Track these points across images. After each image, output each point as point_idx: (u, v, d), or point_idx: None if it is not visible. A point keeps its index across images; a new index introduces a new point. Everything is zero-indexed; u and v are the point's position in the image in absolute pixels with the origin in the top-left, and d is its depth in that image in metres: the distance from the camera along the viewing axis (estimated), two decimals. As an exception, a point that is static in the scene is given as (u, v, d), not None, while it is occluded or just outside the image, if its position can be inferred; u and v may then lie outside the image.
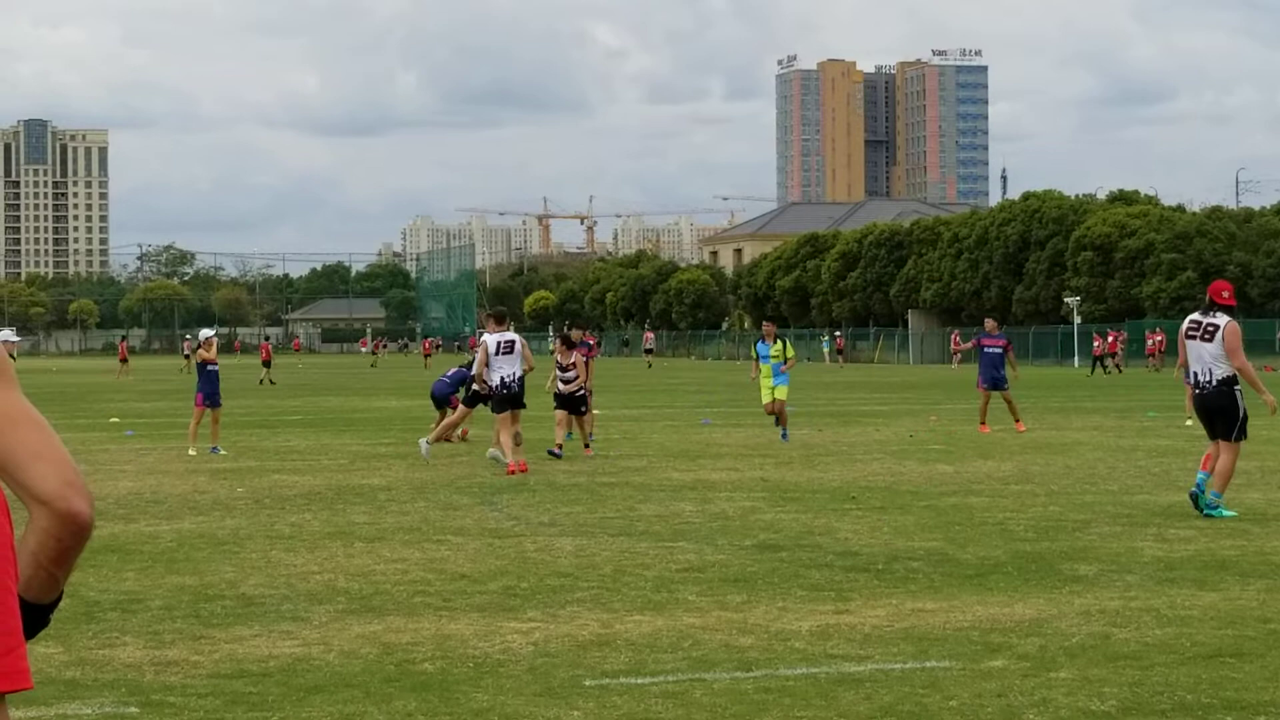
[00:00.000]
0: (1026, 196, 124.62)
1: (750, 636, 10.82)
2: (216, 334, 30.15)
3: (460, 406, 28.28)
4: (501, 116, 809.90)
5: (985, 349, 33.41)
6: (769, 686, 9.32)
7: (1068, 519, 17.41)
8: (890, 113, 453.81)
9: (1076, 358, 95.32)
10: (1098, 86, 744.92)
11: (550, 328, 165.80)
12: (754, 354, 31.90)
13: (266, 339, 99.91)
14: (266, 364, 75.00)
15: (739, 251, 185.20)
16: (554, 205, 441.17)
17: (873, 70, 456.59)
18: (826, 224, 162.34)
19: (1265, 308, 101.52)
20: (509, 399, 24.11)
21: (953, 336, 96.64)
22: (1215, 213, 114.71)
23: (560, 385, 27.36)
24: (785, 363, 30.72)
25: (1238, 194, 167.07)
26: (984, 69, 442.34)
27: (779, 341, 31.02)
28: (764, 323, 33.13)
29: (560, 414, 27.06)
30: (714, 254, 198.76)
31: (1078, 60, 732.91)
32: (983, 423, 32.43)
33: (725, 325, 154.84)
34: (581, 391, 27.44)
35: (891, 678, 9.52)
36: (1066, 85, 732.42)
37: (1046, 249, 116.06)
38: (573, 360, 27.43)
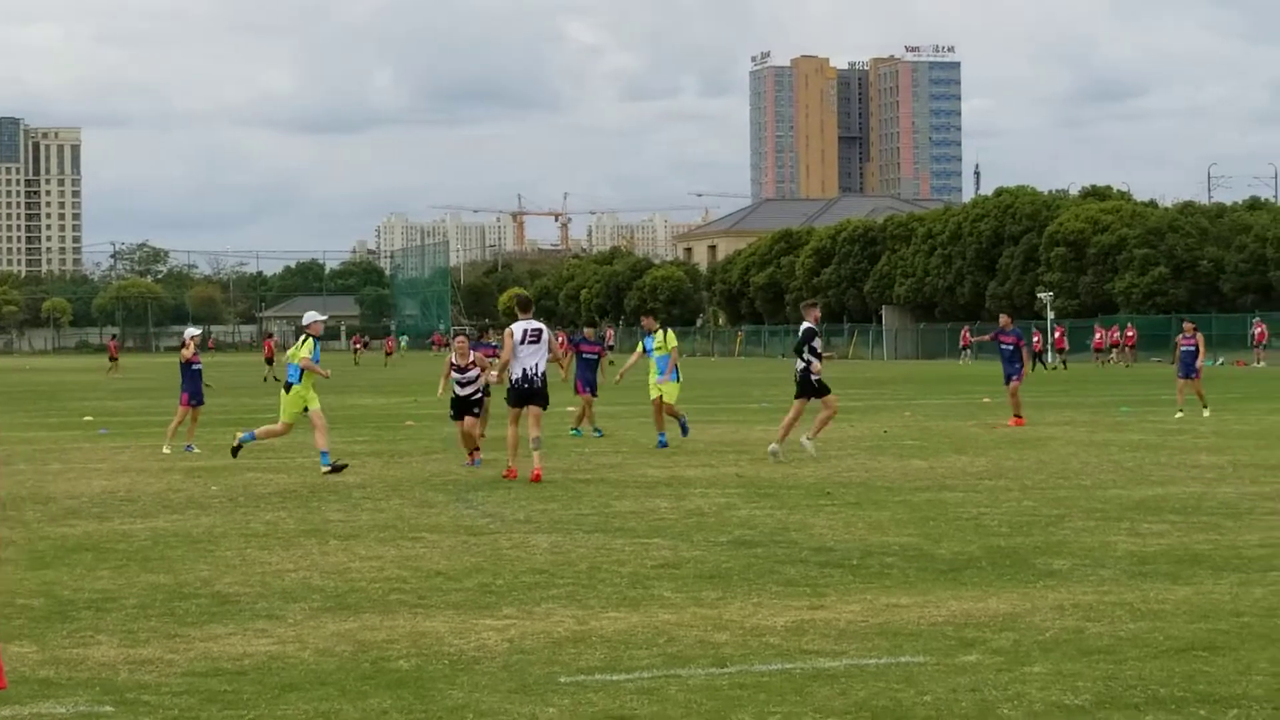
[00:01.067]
0: (1000, 192, 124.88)
1: (725, 632, 10.84)
2: (194, 334, 29.96)
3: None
4: (477, 114, 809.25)
5: (1001, 345, 33.93)
6: (744, 682, 9.34)
7: (1041, 514, 17.46)
8: (864, 109, 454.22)
9: (1049, 355, 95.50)
10: (1071, 82, 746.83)
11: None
12: (640, 348, 30.75)
13: (269, 335, 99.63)
14: (269, 361, 75.61)
15: (713, 248, 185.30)
16: (528, 202, 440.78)
17: (846, 67, 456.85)
18: (800, 220, 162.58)
19: (1237, 303, 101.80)
20: (529, 394, 22.15)
21: (963, 331, 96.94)
22: (1187, 208, 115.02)
23: (457, 389, 25.37)
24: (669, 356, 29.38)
25: (1209, 189, 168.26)
26: (957, 65, 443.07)
27: (662, 332, 29.96)
28: (643, 316, 32.54)
29: (468, 420, 24.87)
30: (688, 251, 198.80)
31: (1051, 56, 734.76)
32: (1017, 415, 32.99)
33: (700, 322, 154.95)
34: (479, 395, 25.37)
35: (866, 673, 9.54)
36: (1039, 81, 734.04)
37: (1020, 245, 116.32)
38: (472, 360, 25.54)
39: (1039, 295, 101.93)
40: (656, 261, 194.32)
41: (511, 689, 9.23)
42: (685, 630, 10.92)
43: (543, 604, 12.03)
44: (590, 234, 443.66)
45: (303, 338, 23.88)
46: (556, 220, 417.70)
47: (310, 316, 24.50)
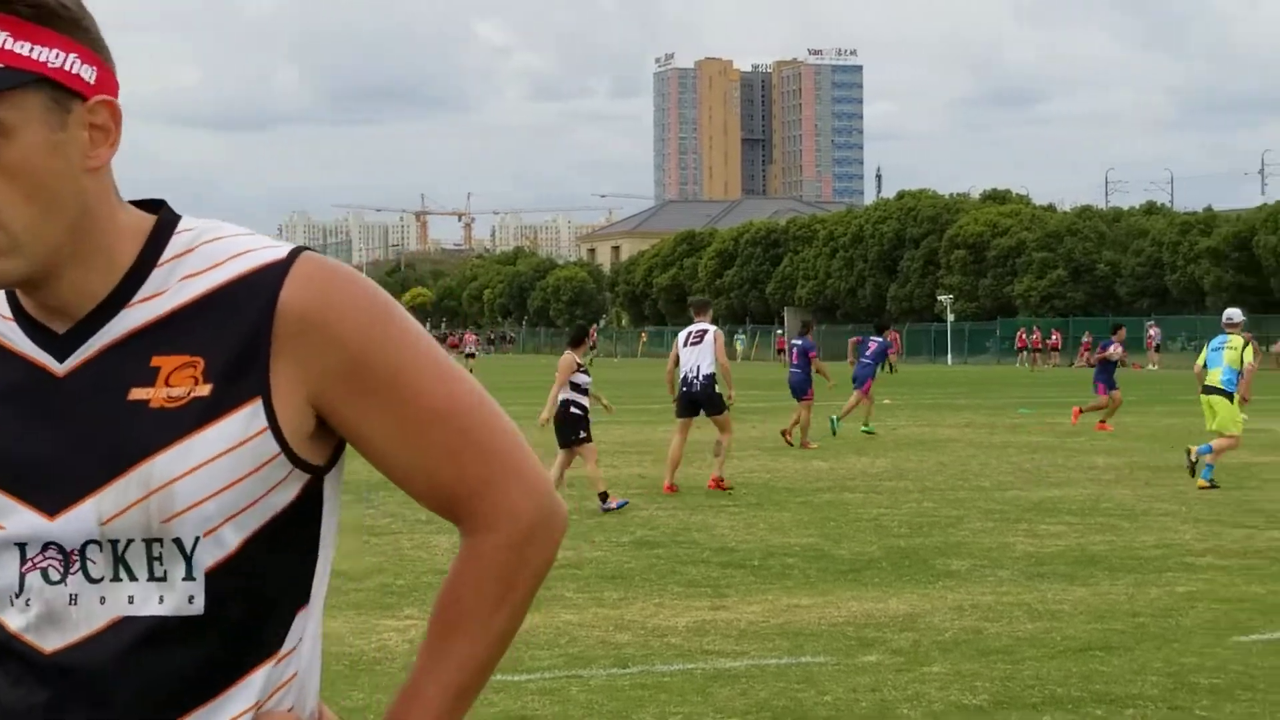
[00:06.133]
0: (901, 195, 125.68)
1: (627, 633, 10.85)
2: None
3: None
4: (382, 113, 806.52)
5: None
6: (645, 683, 9.35)
7: (941, 515, 17.59)
8: (767, 111, 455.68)
9: (949, 355, 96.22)
10: (973, 87, 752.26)
11: (428, 324, 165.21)
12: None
13: None
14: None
15: (617, 249, 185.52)
16: (432, 202, 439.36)
17: (749, 69, 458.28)
18: (703, 222, 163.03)
19: (1134, 306, 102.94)
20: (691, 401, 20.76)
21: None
22: (1085, 212, 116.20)
23: None
24: None
25: (1107, 194, 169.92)
26: (859, 69, 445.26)
27: None
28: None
29: None
30: (592, 251, 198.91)
31: (953, 61, 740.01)
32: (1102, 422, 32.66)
33: (603, 322, 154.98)
34: None
35: (767, 673, 9.58)
36: (942, 86, 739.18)
37: (920, 248, 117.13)
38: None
39: (939, 298, 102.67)
40: (560, 262, 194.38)
41: (412, 690, 9.19)
42: (587, 631, 10.93)
43: (444, 604, 11.98)
44: (494, 234, 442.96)
45: None
46: (460, 220, 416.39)
47: None
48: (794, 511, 17.96)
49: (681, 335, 21.12)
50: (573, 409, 18.53)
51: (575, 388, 18.67)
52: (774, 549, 14.96)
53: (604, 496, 18.16)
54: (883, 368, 40.00)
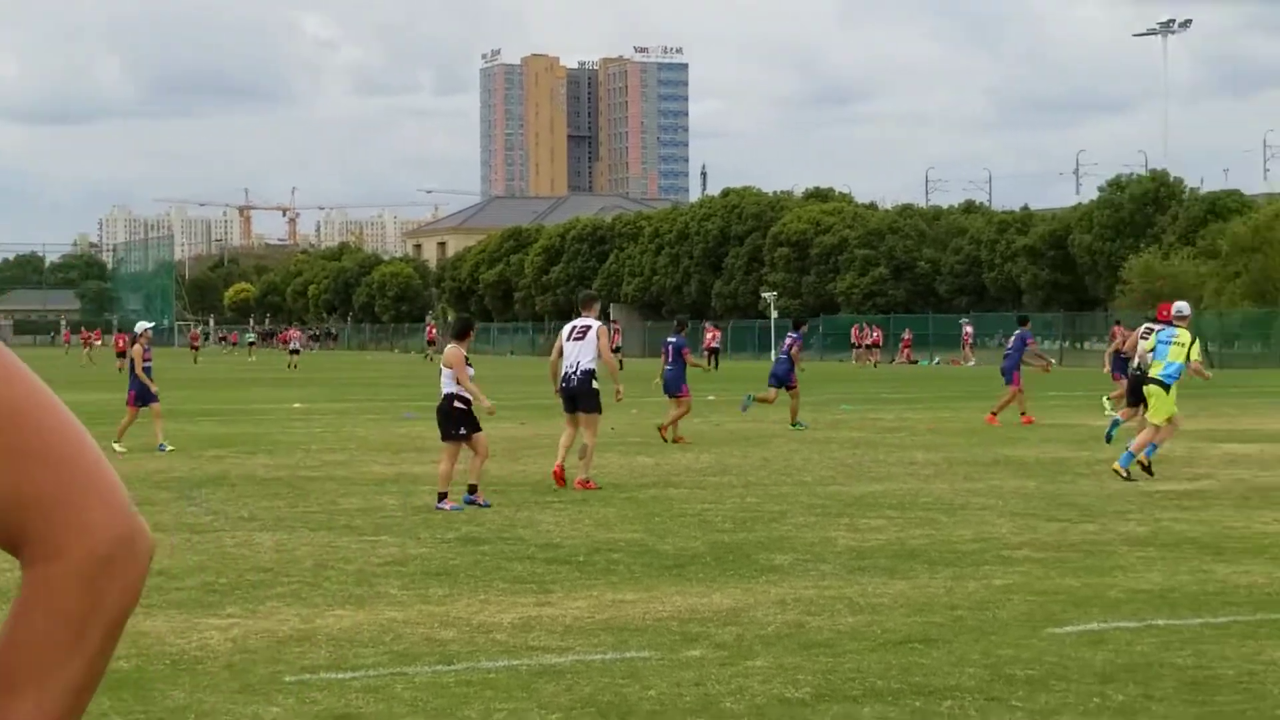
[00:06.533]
0: (726, 193, 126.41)
1: (452, 629, 10.84)
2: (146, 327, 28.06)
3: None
4: (205, 106, 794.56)
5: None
6: (470, 679, 9.35)
7: (764, 510, 17.74)
8: (593, 109, 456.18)
9: (773, 351, 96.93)
10: (797, 86, 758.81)
11: (251, 320, 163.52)
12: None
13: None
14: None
15: (443, 245, 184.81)
16: (256, 197, 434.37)
17: (576, 66, 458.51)
18: (530, 218, 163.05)
19: (953, 303, 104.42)
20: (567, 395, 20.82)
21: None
22: (906, 211, 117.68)
23: None
24: None
25: (927, 193, 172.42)
26: (685, 66, 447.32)
27: None
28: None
29: None
30: (418, 247, 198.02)
31: (778, 60, 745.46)
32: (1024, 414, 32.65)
33: (428, 319, 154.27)
34: None
35: (592, 668, 9.62)
36: (767, 84, 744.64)
37: (745, 245, 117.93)
38: None
39: (763, 295, 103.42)
40: (386, 258, 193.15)
41: (235, 689, 9.13)
42: (412, 628, 10.90)
43: (267, 602, 11.91)
44: (319, 229, 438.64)
45: None
46: (284, 215, 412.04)
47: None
48: (619, 507, 18.03)
49: (566, 329, 21.04)
50: (457, 403, 18.34)
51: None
52: (599, 545, 15.01)
53: (442, 496, 18.03)
54: (709, 365, 40.16)
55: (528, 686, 9.16)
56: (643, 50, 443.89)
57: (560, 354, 20.77)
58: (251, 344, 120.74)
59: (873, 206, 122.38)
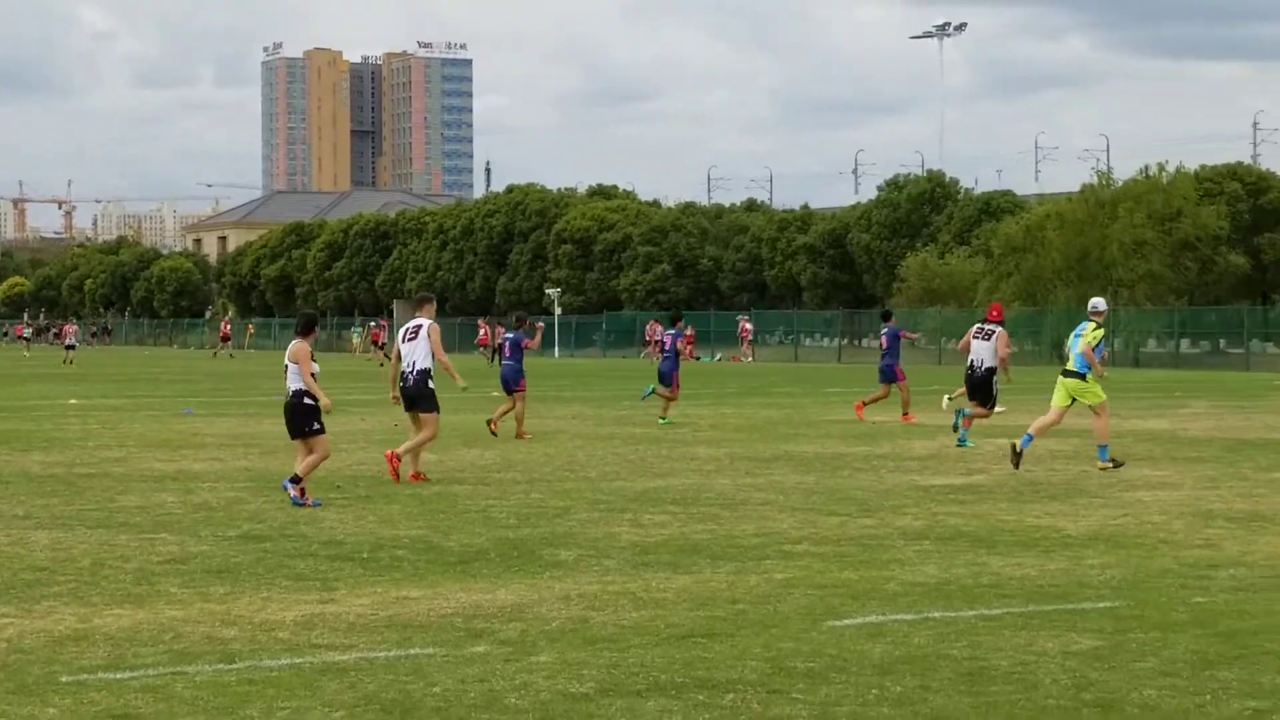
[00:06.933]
0: (511, 189, 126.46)
1: (234, 628, 10.73)
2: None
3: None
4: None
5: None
6: (253, 678, 9.27)
7: (548, 506, 17.79)
8: (377, 103, 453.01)
9: (557, 348, 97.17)
10: (581, 84, 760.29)
11: (25, 315, 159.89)
12: None
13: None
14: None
15: (224, 239, 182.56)
16: (30, 189, 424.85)
17: (359, 61, 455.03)
18: (312, 213, 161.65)
19: (734, 300, 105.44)
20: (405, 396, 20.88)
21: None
22: (689, 209, 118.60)
23: None
24: None
25: (709, 191, 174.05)
26: (469, 63, 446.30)
27: None
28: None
29: None
30: (198, 242, 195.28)
31: (562, 57, 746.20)
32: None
33: (209, 314, 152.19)
34: None
35: (376, 666, 9.59)
36: (551, 81, 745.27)
37: (529, 241, 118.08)
38: None
39: (547, 291, 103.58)
40: (165, 252, 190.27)
41: (9, 689, 8.96)
42: (192, 626, 10.77)
43: (43, 602, 11.69)
44: (96, 223, 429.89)
45: None
46: (60, 208, 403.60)
47: None
48: (403, 504, 17.95)
49: (401, 330, 21.09)
50: (306, 399, 18.08)
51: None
52: (383, 541, 14.95)
53: (302, 490, 17.82)
54: (492, 361, 40.17)
55: (311, 685, 9.10)
56: (427, 46, 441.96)
57: (400, 357, 20.79)
58: (27, 339, 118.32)
59: (656, 204, 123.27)
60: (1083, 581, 12.67)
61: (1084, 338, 22.40)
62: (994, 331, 26.13)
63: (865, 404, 32.76)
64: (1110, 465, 21.94)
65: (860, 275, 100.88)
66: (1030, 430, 22.21)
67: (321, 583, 12.60)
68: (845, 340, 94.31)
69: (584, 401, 41.38)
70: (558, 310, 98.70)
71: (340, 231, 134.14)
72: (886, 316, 34.53)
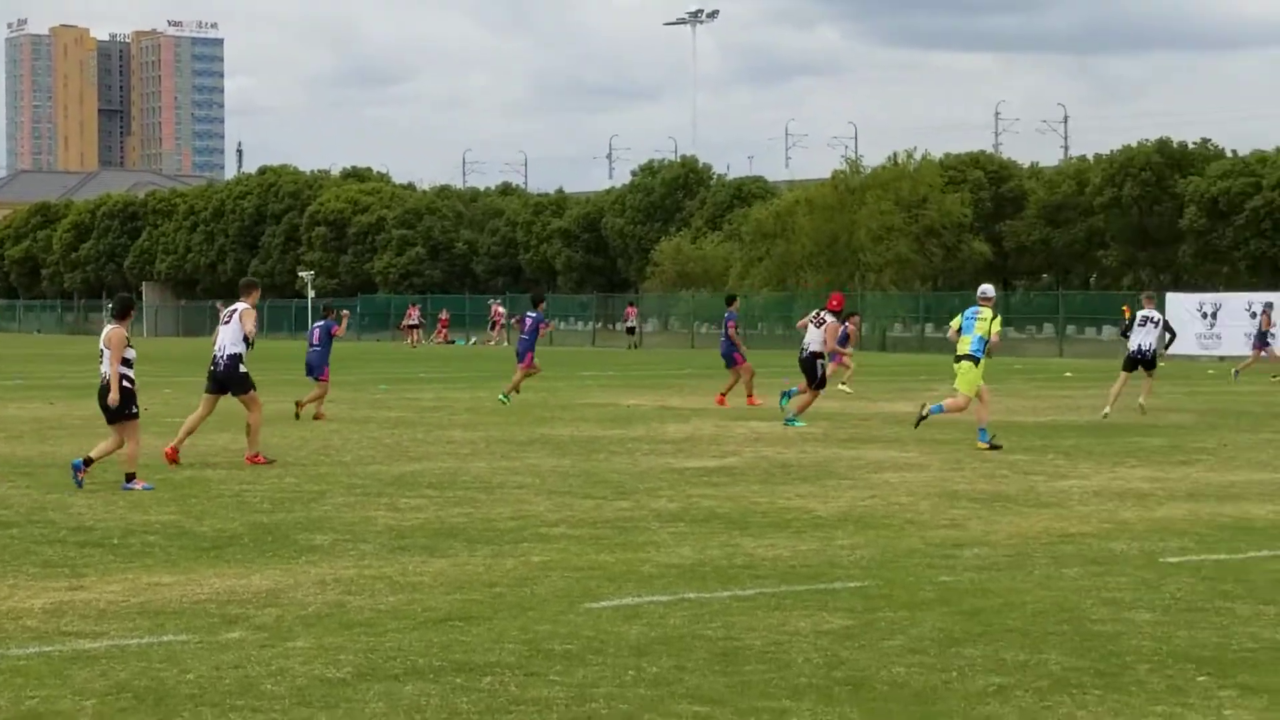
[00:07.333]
0: (263, 171, 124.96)
1: (-21, 617, 10.50)
2: None
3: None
4: None
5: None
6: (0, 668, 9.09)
7: (303, 490, 17.65)
8: (125, 82, 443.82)
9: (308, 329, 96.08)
10: (335, 64, 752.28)
11: None
12: None
13: None
14: None
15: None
16: None
17: (107, 38, 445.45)
18: (59, 193, 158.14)
19: (490, 284, 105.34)
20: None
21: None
22: (444, 192, 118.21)
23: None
24: None
25: (464, 174, 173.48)
26: (220, 42, 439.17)
27: None
28: None
29: None
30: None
31: (315, 37, 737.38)
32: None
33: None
34: None
35: (128, 653, 9.45)
36: (305, 62, 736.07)
37: (282, 223, 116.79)
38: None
39: (300, 274, 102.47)
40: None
41: None
42: (-64, 616, 10.52)
43: None
44: None
45: None
46: None
47: None
48: (154, 489, 17.68)
49: (222, 314, 21.06)
50: (124, 384, 17.63)
51: (125, 362, 17.74)
52: (134, 527, 14.72)
53: (130, 477, 17.46)
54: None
55: (60, 673, 8.95)
56: (177, 24, 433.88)
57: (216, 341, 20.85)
58: None
59: (410, 187, 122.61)
60: (833, 562, 12.93)
61: (988, 323, 23.09)
62: (825, 321, 27.77)
63: (724, 394, 33.07)
64: (988, 447, 22.44)
65: (614, 259, 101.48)
66: (980, 425, 22.99)
67: (70, 569, 12.37)
68: (599, 324, 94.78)
69: (339, 385, 41.00)
70: (311, 293, 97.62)
71: (88, 212, 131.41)
72: (730, 300, 35.13)
